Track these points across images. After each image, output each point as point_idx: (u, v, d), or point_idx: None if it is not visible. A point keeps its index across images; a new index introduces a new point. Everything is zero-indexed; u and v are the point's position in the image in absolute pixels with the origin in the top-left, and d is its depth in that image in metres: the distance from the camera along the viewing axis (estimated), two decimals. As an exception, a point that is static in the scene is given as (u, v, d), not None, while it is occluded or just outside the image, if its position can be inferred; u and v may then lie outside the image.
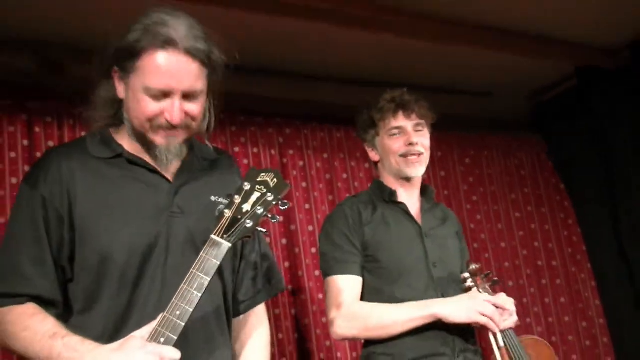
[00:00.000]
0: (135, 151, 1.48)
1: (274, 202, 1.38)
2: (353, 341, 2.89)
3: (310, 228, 3.15)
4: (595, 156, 3.67)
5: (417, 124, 2.12)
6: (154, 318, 1.33)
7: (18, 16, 2.45)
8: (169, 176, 1.50)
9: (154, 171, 1.48)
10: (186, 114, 1.41)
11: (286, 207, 1.40)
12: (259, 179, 1.39)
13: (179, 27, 1.38)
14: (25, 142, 2.67)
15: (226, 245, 1.32)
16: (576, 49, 3.38)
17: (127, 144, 1.49)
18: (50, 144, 2.71)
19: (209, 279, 1.30)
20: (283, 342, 2.96)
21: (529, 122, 4.11)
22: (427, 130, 2.17)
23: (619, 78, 3.47)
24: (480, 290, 2.06)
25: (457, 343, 1.98)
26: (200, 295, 1.29)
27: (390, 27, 2.87)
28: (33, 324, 1.34)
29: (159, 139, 1.43)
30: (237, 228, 1.33)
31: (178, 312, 1.27)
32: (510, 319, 1.97)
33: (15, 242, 1.41)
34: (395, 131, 2.10)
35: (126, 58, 1.39)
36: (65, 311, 1.42)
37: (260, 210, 1.35)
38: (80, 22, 2.50)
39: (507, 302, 1.97)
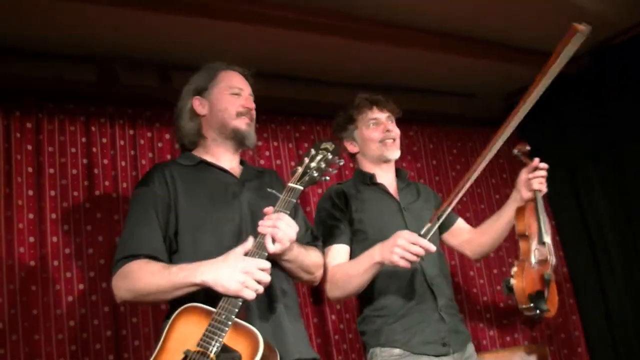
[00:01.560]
0: (211, 159, 1.95)
1: (333, 160, 1.75)
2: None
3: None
4: (560, 146, 3.82)
5: (389, 116, 2.36)
6: None
7: (81, 34, 2.68)
8: (236, 175, 1.95)
9: (225, 171, 1.93)
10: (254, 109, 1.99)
11: (342, 163, 1.76)
12: (322, 147, 1.78)
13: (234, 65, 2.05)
14: (84, 140, 2.88)
15: (299, 188, 1.71)
16: (543, 57, 3.45)
17: (205, 155, 1.96)
18: (104, 140, 2.93)
19: (288, 212, 1.68)
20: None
21: (506, 119, 4.39)
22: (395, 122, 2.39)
23: (578, 82, 3.65)
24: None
25: (438, 300, 2.15)
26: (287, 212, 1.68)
27: (388, 39, 3.09)
28: (150, 266, 1.68)
29: (242, 124, 1.94)
30: (306, 176, 1.73)
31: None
32: (543, 185, 2.22)
33: (136, 223, 1.77)
34: (373, 122, 2.33)
35: (207, 82, 1.98)
36: None
37: (323, 165, 1.74)
38: (133, 39, 2.77)
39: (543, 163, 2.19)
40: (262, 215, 1.74)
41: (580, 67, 3.67)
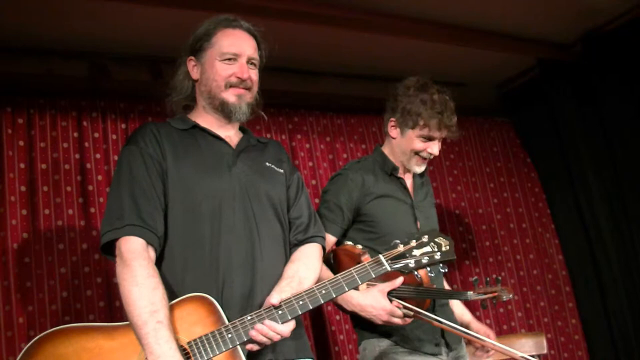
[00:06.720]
0: (206, 125, 1.76)
1: (437, 262, 1.61)
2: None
3: (317, 200, 3.14)
4: (553, 134, 3.85)
5: (441, 137, 2.25)
6: (228, 239, 1.59)
7: (74, 30, 2.70)
8: (232, 145, 1.76)
9: (220, 139, 1.75)
10: (249, 78, 1.74)
11: (445, 270, 1.63)
12: (436, 239, 1.63)
13: (241, 20, 1.79)
14: (75, 134, 2.88)
15: (386, 268, 1.59)
16: (535, 45, 3.57)
17: (199, 120, 1.77)
18: (96, 135, 2.92)
19: (360, 284, 1.56)
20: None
21: (498, 107, 4.24)
22: None
23: (571, 68, 3.68)
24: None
25: (436, 301, 2.15)
26: (346, 289, 1.55)
27: (379, 28, 3.08)
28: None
29: (231, 96, 1.72)
30: (401, 261, 1.60)
31: (324, 291, 1.53)
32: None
33: (130, 191, 1.58)
34: (426, 137, 2.21)
35: (202, 41, 1.75)
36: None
37: (424, 260, 1.60)
38: (123, 35, 2.79)
39: None
40: (255, 192, 1.68)
41: (572, 54, 3.71)
